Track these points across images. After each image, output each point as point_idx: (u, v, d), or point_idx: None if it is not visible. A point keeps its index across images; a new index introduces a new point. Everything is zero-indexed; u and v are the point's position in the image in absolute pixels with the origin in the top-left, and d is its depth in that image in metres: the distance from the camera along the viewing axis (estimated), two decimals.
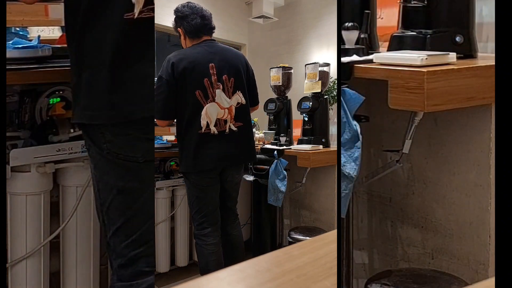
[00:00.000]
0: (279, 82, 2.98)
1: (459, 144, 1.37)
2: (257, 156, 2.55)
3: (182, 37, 2.27)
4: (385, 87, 1.20)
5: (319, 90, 2.79)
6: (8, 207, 1.44)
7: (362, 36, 1.45)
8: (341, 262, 1.42)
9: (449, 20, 1.38)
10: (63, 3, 1.35)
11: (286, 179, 2.61)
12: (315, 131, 2.80)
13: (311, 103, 2.77)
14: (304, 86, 2.88)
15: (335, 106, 4.02)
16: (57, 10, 1.74)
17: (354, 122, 1.27)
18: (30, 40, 1.67)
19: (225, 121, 2.17)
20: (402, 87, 1.15)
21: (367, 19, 1.46)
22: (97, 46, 1.28)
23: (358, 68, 1.31)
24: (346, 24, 1.41)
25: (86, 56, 1.30)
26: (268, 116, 3.04)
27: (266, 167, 2.69)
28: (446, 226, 1.42)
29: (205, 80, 2.13)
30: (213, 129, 2.14)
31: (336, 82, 3.76)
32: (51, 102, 1.57)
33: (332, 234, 0.77)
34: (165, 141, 3.02)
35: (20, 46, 1.47)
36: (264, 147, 2.85)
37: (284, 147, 2.78)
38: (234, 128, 2.20)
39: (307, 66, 2.91)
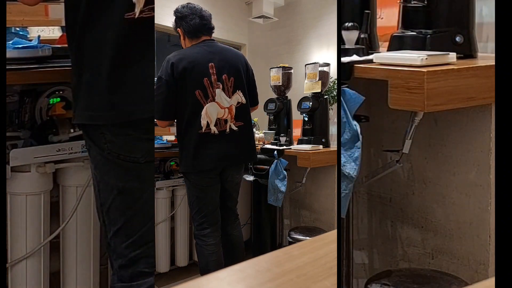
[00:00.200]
0: (279, 82, 2.98)
1: (459, 144, 1.37)
2: (257, 156, 2.55)
3: (181, 38, 2.28)
4: (385, 87, 1.20)
5: (319, 90, 2.79)
6: (8, 207, 1.44)
7: (362, 36, 1.45)
8: (341, 262, 1.42)
9: (449, 20, 1.38)
10: (63, 3, 1.35)
11: (286, 179, 2.61)
12: (315, 131, 2.80)
13: (311, 103, 2.77)
14: (304, 86, 2.88)
15: (335, 106, 4.02)
16: (57, 10, 1.74)
17: (354, 122, 1.27)
18: (30, 40, 1.67)
19: (226, 121, 2.17)
20: (402, 87, 1.15)
21: (367, 19, 1.46)
22: (97, 46, 1.28)
23: (358, 68, 1.31)
24: (346, 24, 1.41)
25: (86, 57, 1.30)
26: (268, 116, 3.04)
27: (266, 167, 2.69)
28: (446, 226, 1.42)
29: (204, 80, 2.13)
30: (213, 128, 2.14)
31: (336, 82, 3.76)
32: (51, 102, 1.57)
33: (332, 234, 0.77)
34: (165, 141, 3.02)
35: (20, 46, 1.47)
36: (264, 147, 2.85)
37: (284, 147, 2.78)
38: (234, 128, 2.20)
39: (307, 66, 2.91)
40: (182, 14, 2.24)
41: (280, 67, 3.02)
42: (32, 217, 1.47)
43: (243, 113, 2.24)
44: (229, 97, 2.19)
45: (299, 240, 2.46)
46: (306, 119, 2.82)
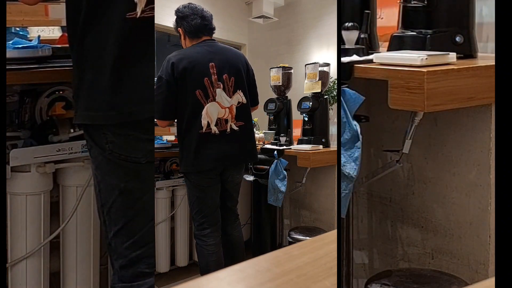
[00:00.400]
0: (279, 82, 2.98)
1: (459, 144, 1.37)
2: (258, 156, 2.55)
3: (182, 37, 2.28)
4: (385, 87, 1.20)
5: (319, 90, 2.79)
6: (8, 207, 1.44)
7: (362, 36, 1.45)
8: (341, 262, 1.42)
9: (449, 20, 1.38)
10: (63, 3, 1.35)
11: (286, 179, 2.61)
12: (315, 131, 2.80)
13: (311, 103, 2.77)
14: (304, 86, 2.88)
15: (335, 106, 4.02)
16: (57, 10, 1.74)
17: (354, 122, 1.27)
18: (30, 40, 1.67)
19: (226, 121, 2.17)
20: (402, 87, 1.15)
21: (367, 19, 1.46)
22: (98, 47, 1.28)
23: (358, 68, 1.31)
24: (346, 24, 1.41)
25: (87, 56, 1.29)
26: (268, 116, 3.04)
27: (266, 167, 2.69)
28: (446, 226, 1.42)
29: (205, 80, 2.13)
30: (214, 128, 2.14)
31: (336, 82, 3.76)
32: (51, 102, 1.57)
33: (332, 234, 0.77)
34: (165, 141, 3.02)
35: (20, 46, 1.47)
36: (264, 147, 2.85)
37: (284, 147, 2.78)
38: (235, 128, 2.19)
39: (307, 66, 2.91)
40: (183, 14, 2.24)
41: (280, 67, 3.02)
42: (32, 217, 1.47)
43: (243, 113, 2.23)
44: (230, 97, 2.19)
45: (299, 240, 2.46)
46: (306, 119, 2.82)
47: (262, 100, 2.62)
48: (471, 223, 1.35)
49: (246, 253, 2.50)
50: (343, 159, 1.28)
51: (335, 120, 2.34)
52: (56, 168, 1.52)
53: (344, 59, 1.35)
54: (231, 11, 5.50)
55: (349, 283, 1.50)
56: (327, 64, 2.91)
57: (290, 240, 2.58)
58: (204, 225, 2.23)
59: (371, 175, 1.59)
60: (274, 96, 3.03)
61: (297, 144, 2.85)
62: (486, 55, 1.48)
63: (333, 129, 3.25)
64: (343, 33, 1.42)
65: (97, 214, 1.58)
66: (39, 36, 1.61)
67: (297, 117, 3.00)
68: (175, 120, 2.24)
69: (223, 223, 2.33)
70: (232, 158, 2.22)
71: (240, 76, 2.24)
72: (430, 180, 1.47)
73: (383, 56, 1.29)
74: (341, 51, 1.40)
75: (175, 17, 2.28)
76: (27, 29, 2.01)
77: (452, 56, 1.24)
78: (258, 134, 3.23)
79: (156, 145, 2.74)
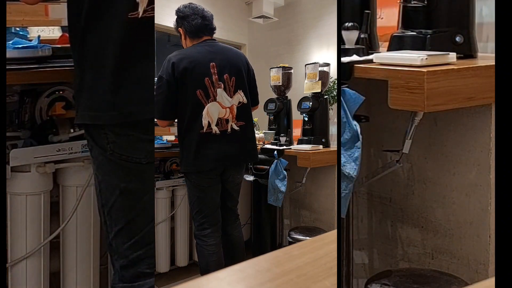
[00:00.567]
0: (279, 82, 2.98)
1: (459, 144, 1.37)
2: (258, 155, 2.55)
3: (182, 37, 2.27)
4: (385, 87, 1.20)
5: (319, 90, 2.79)
6: (8, 207, 1.44)
7: (362, 36, 1.45)
8: (341, 262, 1.42)
9: (449, 20, 1.38)
10: (63, 3, 1.35)
11: (286, 179, 2.61)
12: (315, 131, 2.80)
13: (311, 103, 2.77)
14: (304, 86, 2.88)
15: (335, 106, 4.02)
16: (57, 10, 1.74)
17: (354, 122, 1.27)
18: (30, 40, 1.67)
19: (227, 121, 2.17)
20: (402, 87, 1.15)
21: (367, 19, 1.46)
22: (99, 46, 1.27)
23: (358, 68, 1.31)
24: (346, 24, 1.41)
25: (89, 56, 1.29)
26: (268, 116, 3.04)
27: (266, 167, 2.69)
28: (446, 226, 1.42)
29: (206, 79, 2.13)
30: (215, 128, 2.13)
31: (336, 82, 3.76)
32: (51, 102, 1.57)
33: (332, 234, 0.77)
34: (165, 141, 3.02)
35: (20, 46, 1.47)
36: (264, 147, 2.85)
37: (284, 147, 2.78)
38: (236, 128, 2.19)
39: (307, 66, 2.91)
40: (184, 14, 2.24)
41: (280, 67, 3.02)
42: (32, 217, 1.47)
43: (244, 113, 2.23)
44: (231, 97, 2.18)
45: (299, 240, 2.46)
46: (306, 119, 2.82)
47: (262, 100, 2.62)
48: (471, 223, 1.35)
49: (246, 253, 2.50)
50: (343, 159, 1.28)
51: (335, 120, 2.34)
52: (56, 168, 1.52)
53: (344, 59, 1.35)
54: (231, 11, 5.50)
55: (349, 283, 1.50)
56: (327, 64, 2.91)
57: (290, 240, 2.58)
58: (204, 225, 2.23)
59: (371, 175, 1.59)
60: (274, 96, 3.03)
61: (297, 144, 2.85)
62: (486, 55, 1.48)
63: (333, 129, 3.25)
64: (343, 33, 1.41)
65: (98, 214, 1.58)
66: (39, 36, 1.61)
67: (297, 117, 3.00)
68: (175, 120, 2.24)
69: (224, 223, 2.33)
70: (232, 158, 2.22)
71: (241, 76, 2.24)
72: (430, 180, 1.47)
73: (383, 56, 1.29)
74: (341, 51, 1.40)
75: (176, 17, 2.28)
76: (27, 29, 2.01)
77: (452, 56, 1.24)
78: (258, 134, 3.23)
79: (156, 145, 2.74)
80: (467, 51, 1.39)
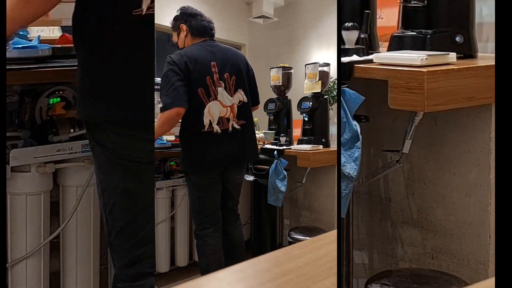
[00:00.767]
0: (279, 82, 2.98)
1: (459, 144, 1.37)
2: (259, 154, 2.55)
3: (183, 34, 2.26)
4: (385, 87, 1.20)
5: (319, 90, 2.79)
6: (8, 207, 1.44)
7: (362, 36, 1.45)
8: (341, 262, 1.42)
9: (449, 20, 1.38)
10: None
11: (286, 179, 2.61)
12: (315, 131, 2.80)
13: (311, 103, 2.77)
14: (304, 86, 2.88)
15: (335, 106, 4.02)
16: (57, 10, 1.73)
17: (354, 122, 1.27)
18: (30, 40, 1.67)
19: (228, 120, 2.17)
20: (402, 87, 1.15)
21: (367, 19, 1.46)
22: (104, 43, 1.27)
23: (358, 68, 1.31)
24: (346, 24, 1.41)
25: (92, 53, 1.29)
26: (268, 116, 3.04)
27: (266, 167, 2.69)
28: (446, 226, 1.42)
29: (207, 78, 2.12)
30: (216, 127, 2.13)
31: (336, 82, 3.76)
32: (51, 102, 1.57)
33: (332, 234, 0.77)
34: (165, 141, 3.02)
35: (20, 46, 1.47)
36: (264, 147, 2.85)
37: (284, 147, 2.78)
38: (237, 127, 2.19)
39: (307, 66, 2.91)
40: (192, 12, 2.25)
41: (280, 67, 3.02)
42: (32, 217, 1.47)
43: (244, 112, 2.23)
44: (231, 96, 2.18)
45: (299, 240, 2.46)
46: (306, 119, 2.82)
47: (262, 100, 2.62)
48: (471, 223, 1.35)
49: (246, 253, 2.50)
50: (343, 159, 1.28)
51: (335, 120, 2.34)
52: (56, 168, 1.52)
53: (344, 59, 1.35)
54: (231, 11, 5.50)
55: (349, 283, 1.50)
56: (327, 64, 2.92)
57: (290, 240, 2.58)
58: (205, 225, 2.23)
59: (371, 175, 1.59)
60: (274, 96, 3.04)
61: (297, 144, 2.85)
62: (486, 55, 1.48)
63: (333, 129, 3.25)
64: (343, 33, 1.42)
65: (98, 214, 1.58)
66: (39, 36, 1.61)
67: (297, 117, 3.00)
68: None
69: (224, 223, 2.33)
70: (234, 157, 2.22)
71: (241, 75, 2.24)
72: (430, 180, 1.47)
73: (383, 56, 1.29)
74: (341, 51, 1.40)
75: (180, 13, 2.27)
76: (27, 29, 2.01)
77: (452, 56, 1.24)
78: (258, 134, 3.23)
79: (156, 145, 2.74)
80: (467, 51, 1.39)
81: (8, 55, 1.38)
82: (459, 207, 1.38)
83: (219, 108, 2.14)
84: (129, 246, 1.35)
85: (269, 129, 3.02)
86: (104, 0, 1.26)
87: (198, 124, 2.11)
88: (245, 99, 2.23)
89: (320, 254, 0.69)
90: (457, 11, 1.39)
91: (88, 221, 1.58)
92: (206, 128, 2.11)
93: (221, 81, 2.16)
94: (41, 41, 1.58)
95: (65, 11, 1.36)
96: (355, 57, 1.38)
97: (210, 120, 2.12)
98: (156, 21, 1.33)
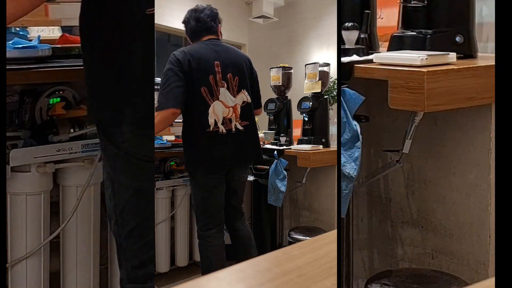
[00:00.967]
0: (279, 82, 2.98)
1: (459, 144, 1.37)
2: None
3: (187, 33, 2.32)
4: (385, 87, 1.20)
5: (319, 90, 2.79)
6: (8, 207, 1.44)
7: (362, 36, 1.45)
8: (341, 262, 1.42)
9: (449, 20, 1.38)
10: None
11: (286, 179, 2.61)
12: (315, 131, 2.80)
13: (311, 103, 2.77)
14: (304, 86, 2.88)
15: (335, 106, 4.02)
16: (57, 10, 1.74)
17: (354, 122, 1.27)
18: (30, 40, 1.67)
19: (230, 120, 2.16)
20: (402, 87, 1.15)
21: (367, 19, 1.46)
22: (115, 43, 1.26)
23: (358, 68, 1.31)
24: (346, 24, 1.41)
25: (103, 53, 1.28)
26: (268, 116, 3.04)
27: (266, 167, 2.69)
28: (446, 226, 1.42)
29: (210, 77, 2.11)
30: (221, 127, 2.12)
31: (336, 82, 3.76)
32: (51, 102, 1.57)
33: (332, 234, 0.77)
34: (165, 141, 3.02)
35: (20, 46, 1.47)
36: (264, 147, 2.85)
37: (284, 147, 2.78)
38: (240, 127, 2.19)
39: (307, 66, 2.91)
40: (184, 21, 2.27)
41: (280, 67, 3.02)
42: (32, 217, 1.47)
43: (248, 113, 2.23)
44: (234, 96, 2.18)
45: (299, 240, 2.46)
46: (306, 119, 2.82)
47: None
48: (471, 223, 1.35)
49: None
50: (343, 159, 1.28)
51: (335, 120, 2.34)
52: (56, 168, 1.52)
53: (344, 59, 1.35)
54: (231, 11, 5.50)
55: (349, 283, 1.50)
56: (327, 64, 2.92)
57: (290, 240, 2.58)
58: (209, 225, 2.21)
59: (371, 175, 1.59)
60: (274, 96, 3.03)
61: (297, 144, 2.85)
62: (486, 55, 1.48)
63: (333, 129, 3.25)
64: (343, 33, 1.42)
65: (98, 214, 1.58)
66: (39, 36, 1.61)
67: (297, 117, 3.00)
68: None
69: (230, 220, 2.32)
70: (239, 157, 2.21)
71: (244, 76, 2.23)
72: (430, 180, 1.47)
73: (383, 56, 1.29)
74: (341, 51, 1.40)
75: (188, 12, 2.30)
76: (27, 29, 2.01)
77: (452, 56, 1.24)
78: (258, 134, 3.23)
79: (156, 145, 2.74)
80: (467, 51, 1.39)
81: (8, 55, 1.38)
82: (459, 207, 1.38)
83: (222, 108, 2.13)
84: (139, 247, 1.34)
85: (269, 129, 3.02)
86: (115, 0, 1.25)
87: (203, 123, 2.09)
88: (249, 100, 2.23)
89: (320, 254, 0.69)
90: (457, 11, 1.39)
91: (88, 221, 1.58)
92: (211, 127, 2.10)
93: (224, 81, 2.15)
94: (41, 41, 1.58)
95: (65, 11, 1.36)
96: (355, 57, 1.38)
97: (215, 120, 2.11)
98: (156, 21, 1.33)
